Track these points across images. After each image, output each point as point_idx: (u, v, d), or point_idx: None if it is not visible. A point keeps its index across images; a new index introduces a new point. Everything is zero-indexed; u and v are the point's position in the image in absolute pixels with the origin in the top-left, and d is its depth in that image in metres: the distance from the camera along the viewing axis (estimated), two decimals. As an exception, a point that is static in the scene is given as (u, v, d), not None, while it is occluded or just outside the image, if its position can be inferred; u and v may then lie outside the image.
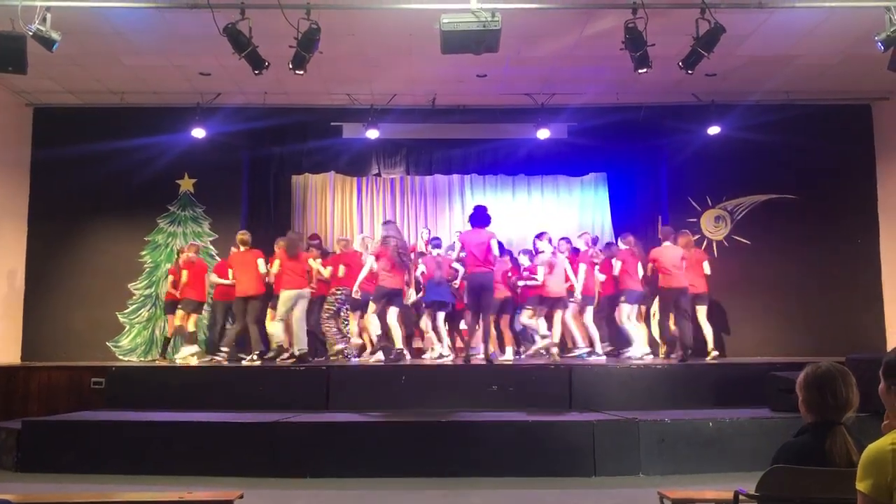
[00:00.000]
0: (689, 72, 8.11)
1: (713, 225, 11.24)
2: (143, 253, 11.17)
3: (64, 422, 7.64)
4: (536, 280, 9.66)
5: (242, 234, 9.72)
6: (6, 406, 9.06)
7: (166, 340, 10.54)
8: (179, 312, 10.11)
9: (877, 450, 2.29)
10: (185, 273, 10.02)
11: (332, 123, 11.39)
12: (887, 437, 2.32)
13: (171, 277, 10.37)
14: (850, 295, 10.91)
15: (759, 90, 10.58)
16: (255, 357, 9.40)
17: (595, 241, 11.05)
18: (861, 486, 2.29)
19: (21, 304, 10.94)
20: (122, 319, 10.98)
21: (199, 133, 10.67)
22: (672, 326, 9.50)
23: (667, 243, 9.43)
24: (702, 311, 9.77)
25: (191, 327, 10.20)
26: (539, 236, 10.19)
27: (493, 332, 9.48)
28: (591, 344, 10.00)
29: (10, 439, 7.33)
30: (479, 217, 8.89)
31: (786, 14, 8.19)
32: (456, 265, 9.90)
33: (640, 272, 9.84)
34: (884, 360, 2.49)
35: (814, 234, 11.04)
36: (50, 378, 9.26)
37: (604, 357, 9.85)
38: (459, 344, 10.06)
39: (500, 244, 9.99)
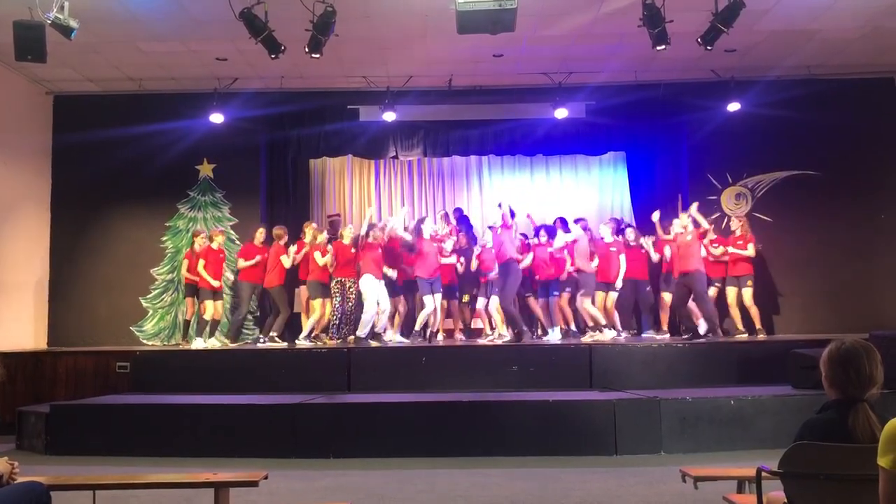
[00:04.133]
0: (709, 48, 8.02)
1: (734, 202, 11.14)
2: (165, 238, 11.26)
3: (91, 405, 7.78)
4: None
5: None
6: (34, 391, 9.23)
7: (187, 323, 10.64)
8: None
9: (898, 426, 2.29)
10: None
11: (349, 106, 11.37)
12: (910, 412, 2.31)
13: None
14: (873, 271, 10.79)
15: (780, 65, 10.43)
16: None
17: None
18: (882, 461, 2.29)
19: (46, 290, 11.08)
20: (144, 304, 11.11)
21: (217, 118, 10.71)
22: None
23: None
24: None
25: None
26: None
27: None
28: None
29: (39, 423, 7.47)
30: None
31: (807, -13, 8.07)
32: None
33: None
34: None
35: (836, 211, 10.91)
36: (76, 363, 9.40)
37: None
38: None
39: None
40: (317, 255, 9.82)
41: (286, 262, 9.98)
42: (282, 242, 10.18)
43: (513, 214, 9.97)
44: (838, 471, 2.61)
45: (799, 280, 10.81)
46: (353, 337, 9.77)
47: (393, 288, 10.10)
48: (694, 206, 9.71)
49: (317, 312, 9.89)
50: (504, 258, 9.53)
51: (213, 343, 10.01)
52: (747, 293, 9.82)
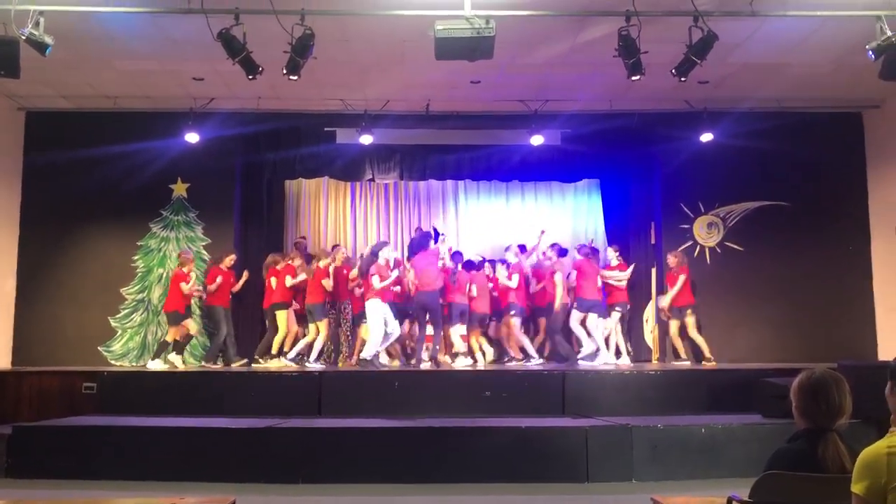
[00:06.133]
0: (682, 79, 8.14)
1: (706, 231, 11.26)
2: (136, 258, 11.10)
3: (55, 427, 7.61)
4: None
5: None
6: (-3, 411, 9.01)
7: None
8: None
9: (872, 453, 2.32)
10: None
11: (326, 129, 11.37)
12: (882, 440, 2.34)
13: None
14: (842, 302, 10.93)
15: (752, 98, 10.61)
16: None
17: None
18: (856, 488, 2.31)
19: (12, 308, 10.85)
20: (114, 324, 10.93)
21: (192, 138, 10.64)
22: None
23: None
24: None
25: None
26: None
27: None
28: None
29: (1, 445, 7.27)
30: (424, 241, 10.34)
31: (778, 22, 8.22)
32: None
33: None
34: (894, 362, 2.52)
35: (805, 241, 11.06)
36: (41, 383, 9.20)
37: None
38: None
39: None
40: (325, 282, 10.15)
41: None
42: (279, 267, 10.45)
43: (436, 237, 10.48)
44: (808, 500, 2.62)
45: (768, 309, 10.91)
46: (356, 359, 10.03)
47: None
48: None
49: (322, 333, 10.10)
50: None
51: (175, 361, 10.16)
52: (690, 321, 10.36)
